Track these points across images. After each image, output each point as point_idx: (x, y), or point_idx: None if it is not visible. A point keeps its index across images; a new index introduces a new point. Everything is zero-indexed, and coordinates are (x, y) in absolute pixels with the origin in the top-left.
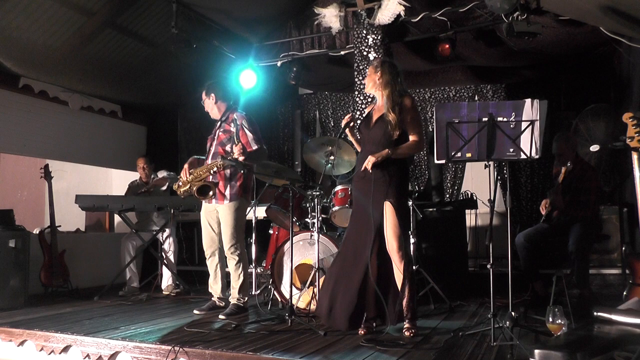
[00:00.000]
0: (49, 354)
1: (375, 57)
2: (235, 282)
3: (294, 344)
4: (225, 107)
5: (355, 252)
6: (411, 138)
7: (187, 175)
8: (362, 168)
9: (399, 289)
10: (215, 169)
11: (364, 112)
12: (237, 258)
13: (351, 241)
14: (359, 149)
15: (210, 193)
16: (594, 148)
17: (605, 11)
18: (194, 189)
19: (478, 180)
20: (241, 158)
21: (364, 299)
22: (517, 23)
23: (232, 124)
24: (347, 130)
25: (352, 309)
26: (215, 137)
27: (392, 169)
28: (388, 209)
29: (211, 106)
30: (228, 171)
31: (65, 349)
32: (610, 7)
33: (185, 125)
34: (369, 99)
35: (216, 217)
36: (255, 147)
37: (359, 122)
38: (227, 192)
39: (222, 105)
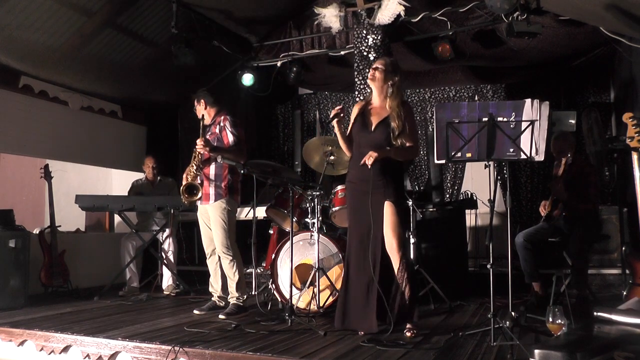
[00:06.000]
0: (49, 354)
1: (378, 55)
2: (231, 281)
3: (294, 344)
4: (215, 111)
5: (359, 255)
6: (408, 144)
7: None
8: (362, 162)
9: (400, 289)
10: (197, 157)
11: (350, 109)
12: (230, 257)
13: (354, 244)
14: (342, 142)
15: (199, 194)
16: (588, 150)
17: (606, 9)
18: (182, 189)
19: (478, 180)
20: (205, 150)
21: (374, 300)
22: (517, 23)
23: (217, 126)
24: (335, 122)
25: (367, 311)
26: None
27: (391, 170)
28: (388, 209)
29: (202, 112)
30: (212, 172)
31: (65, 349)
32: (610, 5)
33: (185, 125)
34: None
35: (208, 217)
36: (233, 146)
37: (353, 121)
38: (212, 192)
39: (212, 111)
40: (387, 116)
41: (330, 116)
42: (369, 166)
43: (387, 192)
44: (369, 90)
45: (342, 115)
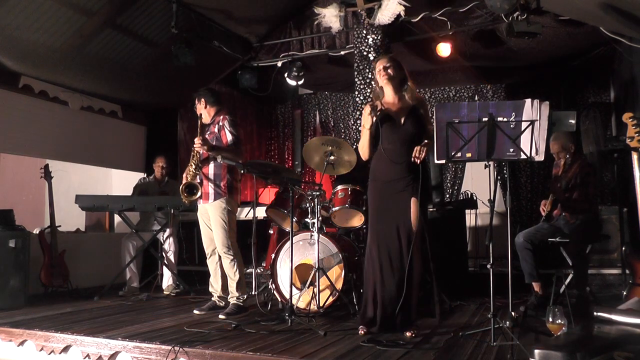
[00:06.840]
0: (49, 354)
1: (379, 54)
2: (232, 281)
3: (294, 344)
4: (215, 111)
5: (389, 255)
6: (429, 127)
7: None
8: (412, 158)
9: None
10: (196, 156)
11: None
12: (230, 257)
13: (380, 244)
14: (367, 143)
15: (198, 193)
16: (587, 150)
17: (605, 10)
18: (182, 188)
19: (478, 180)
20: (203, 149)
21: (408, 298)
22: (517, 23)
23: (216, 126)
24: (371, 118)
25: (398, 310)
26: None
27: (418, 167)
28: (413, 206)
29: (202, 111)
30: (211, 171)
31: (65, 349)
32: (610, 6)
33: (185, 125)
34: (370, 99)
35: (208, 217)
36: (232, 146)
37: (379, 121)
38: (211, 192)
39: (212, 110)
40: (410, 108)
41: (368, 112)
42: (419, 162)
43: (415, 188)
44: (369, 91)
45: (378, 110)
